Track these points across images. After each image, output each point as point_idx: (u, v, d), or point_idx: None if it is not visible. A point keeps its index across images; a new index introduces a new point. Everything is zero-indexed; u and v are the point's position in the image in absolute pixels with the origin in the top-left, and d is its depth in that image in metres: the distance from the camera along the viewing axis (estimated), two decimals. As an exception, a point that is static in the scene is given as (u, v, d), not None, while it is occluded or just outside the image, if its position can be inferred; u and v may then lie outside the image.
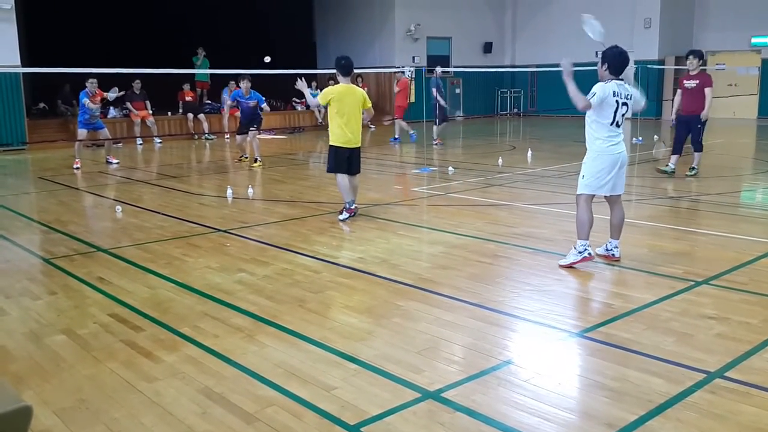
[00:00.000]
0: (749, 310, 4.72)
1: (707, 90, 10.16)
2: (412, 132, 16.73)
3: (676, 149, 10.62)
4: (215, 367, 3.92)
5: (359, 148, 7.96)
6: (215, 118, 19.64)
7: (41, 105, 19.32)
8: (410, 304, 4.96)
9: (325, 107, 7.97)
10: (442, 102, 15.79)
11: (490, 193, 9.48)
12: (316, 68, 24.58)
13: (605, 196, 5.92)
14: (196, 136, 18.95)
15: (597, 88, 5.67)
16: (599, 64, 5.84)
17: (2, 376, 3.74)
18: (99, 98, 13.00)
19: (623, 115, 5.71)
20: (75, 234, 7.38)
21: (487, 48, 26.00)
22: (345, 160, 7.77)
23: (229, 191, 9.52)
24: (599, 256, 5.97)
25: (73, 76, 15.43)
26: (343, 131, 7.73)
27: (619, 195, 5.94)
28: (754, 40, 22.19)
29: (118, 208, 8.67)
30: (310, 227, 7.57)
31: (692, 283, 5.34)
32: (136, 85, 17.88)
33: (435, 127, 15.78)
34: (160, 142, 17.82)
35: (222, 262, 6.18)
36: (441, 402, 3.46)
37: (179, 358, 4.04)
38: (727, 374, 3.72)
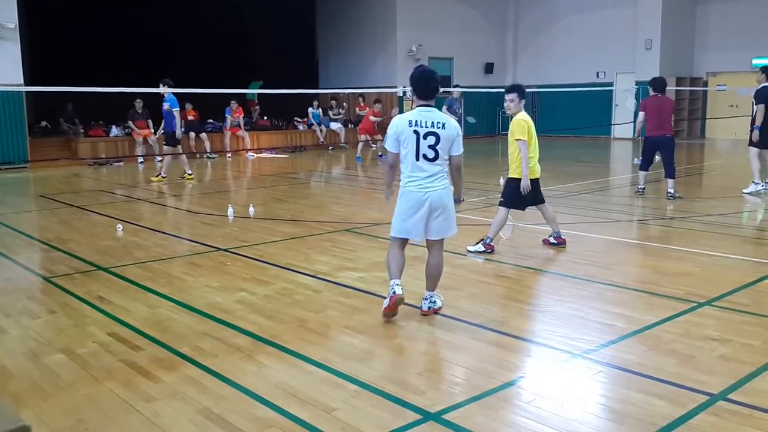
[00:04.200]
0: (752, 332, 4.69)
1: None
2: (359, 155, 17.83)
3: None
4: (215, 387, 3.89)
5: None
6: (217, 137, 19.68)
7: (43, 123, 19.38)
8: (411, 325, 4.93)
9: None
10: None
11: (491, 213, 9.44)
12: (318, 88, 24.71)
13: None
14: (198, 155, 18.98)
15: (389, 129, 4.91)
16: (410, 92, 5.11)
17: (1, 396, 3.72)
18: None
19: (431, 146, 4.78)
20: (75, 252, 7.37)
21: (489, 68, 26.13)
22: (530, 193, 6.91)
23: (230, 210, 9.51)
24: (422, 312, 5.12)
25: (75, 95, 15.50)
26: (534, 161, 6.91)
27: (438, 240, 5.08)
28: (755, 62, 22.25)
29: (119, 226, 8.66)
30: (311, 246, 7.55)
31: (695, 304, 5.31)
32: (138, 104, 17.94)
33: None
34: (160, 161, 17.84)
35: (222, 281, 6.16)
36: (442, 424, 3.43)
37: (178, 378, 4.01)
38: (730, 396, 3.69)
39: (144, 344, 4.60)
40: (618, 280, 6.04)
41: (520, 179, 6.86)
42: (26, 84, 16.01)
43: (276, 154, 20.11)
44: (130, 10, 22.11)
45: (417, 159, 4.81)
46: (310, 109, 21.70)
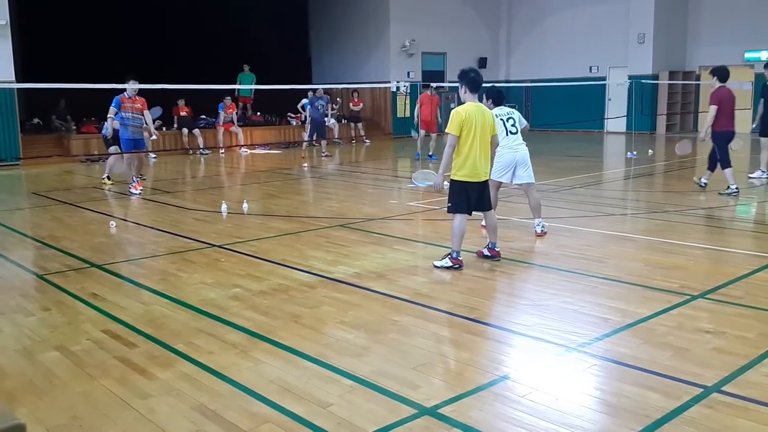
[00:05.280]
0: (745, 324, 4.71)
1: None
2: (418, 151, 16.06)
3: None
4: (210, 383, 3.88)
5: (488, 181, 6.47)
6: (210, 133, 19.63)
7: (35, 120, 19.31)
8: (406, 320, 4.94)
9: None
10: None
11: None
12: (311, 83, 24.65)
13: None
14: (191, 151, 18.95)
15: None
16: (484, 100, 7.08)
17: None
18: None
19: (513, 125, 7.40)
20: (68, 250, 7.34)
21: (482, 63, 26.11)
22: (470, 198, 6.25)
23: (224, 206, 9.50)
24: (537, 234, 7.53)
25: (68, 91, 15.40)
26: (472, 162, 6.13)
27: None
28: (747, 55, 22.34)
29: (112, 223, 8.64)
30: (306, 242, 7.55)
31: (688, 297, 5.33)
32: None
33: None
34: (155, 158, 17.79)
35: (217, 277, 6.15)
36: (437, 418, 3.43)
37: (173, 375, 4.00)
38: (724, 388, 3.70)
39: (138, 341, 4.59)
40: (612, 274, 6.06)
41: (458, 181, 6.22)
42: (18, 80, 15.92)
43: (269, 149, 20.06)
44: (124, 5, 22.00)
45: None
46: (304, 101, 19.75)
